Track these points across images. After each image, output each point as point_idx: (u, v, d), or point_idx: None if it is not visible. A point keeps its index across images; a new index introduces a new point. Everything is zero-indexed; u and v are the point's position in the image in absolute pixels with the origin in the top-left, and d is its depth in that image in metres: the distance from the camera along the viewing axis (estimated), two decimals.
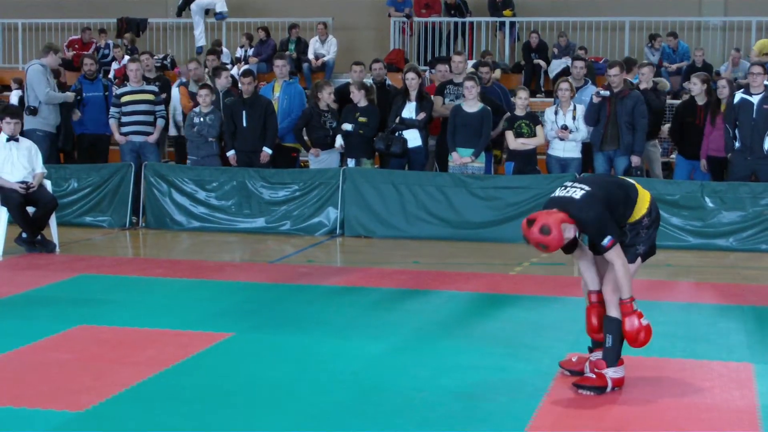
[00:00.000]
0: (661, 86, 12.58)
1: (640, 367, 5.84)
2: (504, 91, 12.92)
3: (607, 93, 11.39)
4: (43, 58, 12.73)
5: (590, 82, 12.79)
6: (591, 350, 5.87)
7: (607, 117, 11.45)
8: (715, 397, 5.61)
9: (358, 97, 11.99)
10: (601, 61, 15.79)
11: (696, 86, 11.67)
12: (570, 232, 5.34)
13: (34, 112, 12.32)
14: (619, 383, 5.60)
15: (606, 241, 5.33)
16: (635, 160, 11.41)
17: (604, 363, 5.57)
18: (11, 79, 17.14)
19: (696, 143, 11.64)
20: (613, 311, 5.58)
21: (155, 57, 16.38)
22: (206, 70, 14.18)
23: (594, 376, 5.58)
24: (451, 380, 5.83)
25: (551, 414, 5.32)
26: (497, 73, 15.20)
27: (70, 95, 12.84)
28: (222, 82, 12.77)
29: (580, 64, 12.77)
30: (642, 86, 12.01)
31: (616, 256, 5.40)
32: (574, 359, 5.93)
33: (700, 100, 11.67)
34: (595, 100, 11.43)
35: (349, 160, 12.08)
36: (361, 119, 11.90)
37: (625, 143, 11.42)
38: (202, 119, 12.18)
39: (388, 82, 13.62)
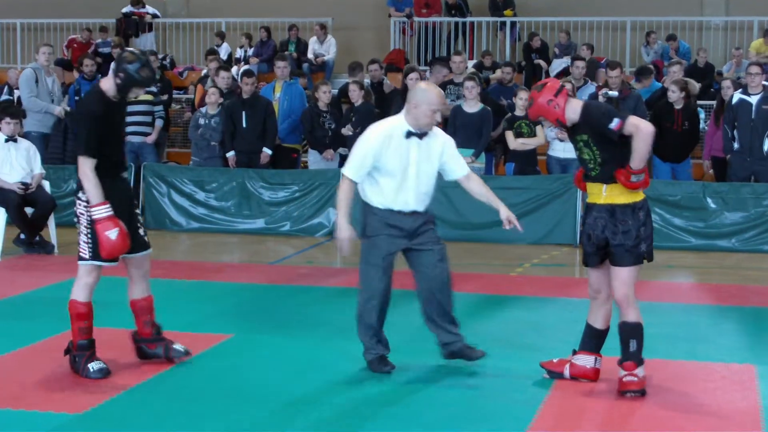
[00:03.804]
0: (690, 88, 12.24)
1: None
2: None
3: (615, 93, 11.31)
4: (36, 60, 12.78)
5: (589, 81, 12.76)
6: (575, 352, 5.86)
7: None
8: (717, 399, 5.60)
9: (356, 97, 11.96)
10: (602, 61, 15.74)
11: (674, 93, 11.46)
12: (572, 107, 5.55)
13: (23, 113, 12.27)
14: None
15: (614, 123, 5.42)
16: None
17: (633, 364, 5.58)
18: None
19: (673, 146, 11.54)
20: (630, 316, 5.60)
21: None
22: (205, 70, 14.15)
23: (636, 380, 5.57)
24: (452, 381, 5.83)
25: (552, 415, 5.32)
26: (498, 73, 15.16)
27: (53, 108, 12.64)
28: (221, 82, 12.71)
29: (580, 63, 12.72)
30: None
31: (634, 124, 5.44)
32: (555, 360, 5.95)
33: (678, 105, 11.54)
34: (601, 100, 11.36)
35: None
36: (353, 119, 11.89)
37: None
38: (207, 121, 12.15)
39: (387, 81, 13.60)
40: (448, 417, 5.24)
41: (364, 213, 6.02)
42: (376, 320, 6.00)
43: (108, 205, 5.75)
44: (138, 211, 6.20)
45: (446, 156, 6.01)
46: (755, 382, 5.89)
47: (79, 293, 5.96)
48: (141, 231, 6.11)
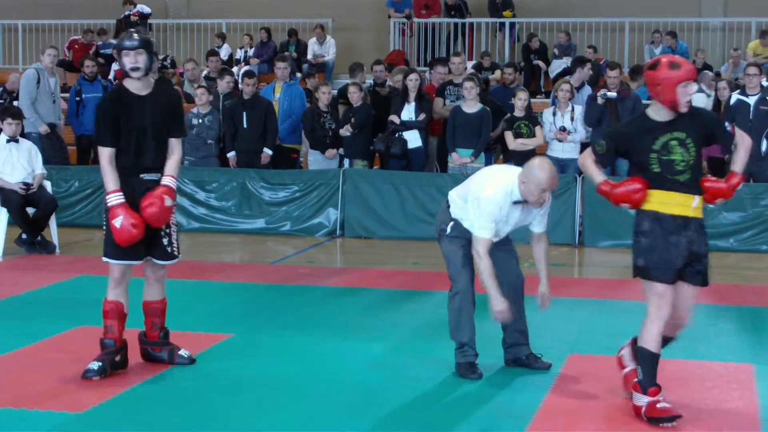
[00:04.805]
0: None
1: None
2: None
3: (614, 94, 11.33)
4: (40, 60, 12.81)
5: (585, 83, 12.79)
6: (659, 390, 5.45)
7: (611, 118, 11.40)
8: (715, 398, 5.62)
9: (356, 99, 11.99)
10: (601, 62, 15.80)
11: None
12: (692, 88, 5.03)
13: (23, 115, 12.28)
14: None
15: (727, 125, 5.21)
16: None
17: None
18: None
19: None
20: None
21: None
22: (206, 71, 14.15)
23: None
24: (451, 381, 5.85)
25: (551, 414, 5.33)
26: (497, 73, 15.20)
27: (39, 123, 12.53)
28: (224, 85, 12.76)
29: (586, 66, 12.74)
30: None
31: (742, 133, 5.27)
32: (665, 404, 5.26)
33: None
34: (600, 101, 11.39)
35: (346, 160, 12.11)
36: (352, 120, 11.92)
37: None
38: (200, 120, 12.18)
39: (389, 82, 13.62)
40: (448, 416, 5.25)
41: (454, 225, 6.04)
42: (473, 316, 6.03)
43: (119, 194, 5.73)
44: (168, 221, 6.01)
45: (539, 212, 5.97)
46: (753, 382, 5.92)
47: (108, 291, 6.01)
48: (165, 240, 6.03)
